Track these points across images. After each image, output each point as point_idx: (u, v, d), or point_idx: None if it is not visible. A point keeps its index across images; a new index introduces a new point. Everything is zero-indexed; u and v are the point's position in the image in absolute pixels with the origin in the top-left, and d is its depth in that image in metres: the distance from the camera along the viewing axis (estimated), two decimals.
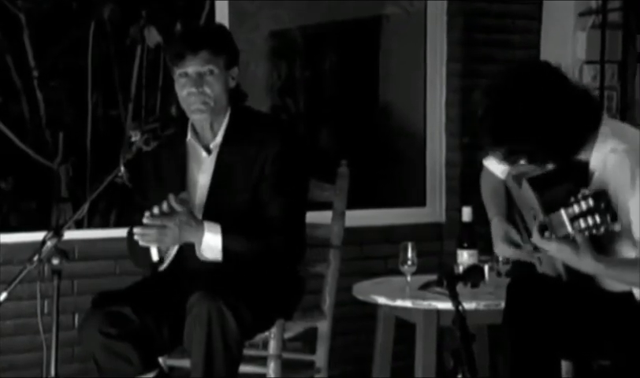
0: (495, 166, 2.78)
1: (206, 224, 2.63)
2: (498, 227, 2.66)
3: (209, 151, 2.80)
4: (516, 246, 2.61)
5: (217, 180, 2.76)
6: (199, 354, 2.57)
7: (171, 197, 2.62)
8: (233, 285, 2.65)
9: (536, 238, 2.34)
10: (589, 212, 2.18)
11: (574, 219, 2.20)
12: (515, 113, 2.36)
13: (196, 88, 2.71)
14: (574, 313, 2.46)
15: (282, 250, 2.73)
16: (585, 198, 2.18)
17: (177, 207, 2.62)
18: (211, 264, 2.72)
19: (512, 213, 2.70)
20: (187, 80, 2.72)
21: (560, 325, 2.45)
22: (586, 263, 2.29)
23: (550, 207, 2.29)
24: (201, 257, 2.66)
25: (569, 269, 2.43)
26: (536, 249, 2.44)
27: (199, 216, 2.75)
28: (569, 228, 2.22)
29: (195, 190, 2.80)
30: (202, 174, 2.80)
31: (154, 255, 2.74)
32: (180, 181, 2.80)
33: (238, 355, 2.62)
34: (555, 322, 2.45)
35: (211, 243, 2.62)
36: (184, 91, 2.74)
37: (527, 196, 2.46)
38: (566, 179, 2.36)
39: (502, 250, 2.64)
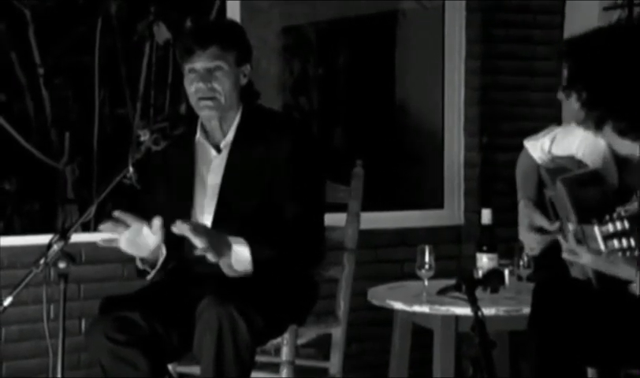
0: (534, 149, 2.76)
1: (231, 238, 2.63)
2: (523, 212, 2.64)
3: (219, 150, 2.81)
4: (542, 232, 2.58)
5: (228, 180, 2.76)
6: (209, 361, 2.57)
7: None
8: (244, 290, 2.64)
9: (572, 245, 2.33)
10: (624, 234, 2.14)
11: (607, 238, 2.17)
12: (620, 75, 2.25)
13: (204, 84, 2.72)
14: (603, 318, 2.45)
15: (303, 254, 2.73)
16: (620, 218, 2.15)
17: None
18: (219, 271, 2.72)
19: (543, 199, 2.68)
20: (196, 76, 2.73)
21: (589, 331, 2.44)
22: (627, 274, 2.28)
23: (583, 214, 2.26)
24: (230, 273, 2.64)
25: (599, 275, 2.42)
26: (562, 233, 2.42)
27: (209, 218, 2.75)
28: (602, 246, 2.19)
29: (204, 191, 2.80)
30: (211, 174, 2.80)
31: (139, 264, 2.74)
32: (188, 181, 2.80)
33: (250, 362, 2.62)
34: (583, 328, 2.44)
35: (240, 257, 2.62)
36: (192, 87, 2.74)
37: (560, 196, 2.44)
38: (600, 182, 2.34)
39: (526, 238, 2.62)
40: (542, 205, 2.65)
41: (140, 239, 2.64)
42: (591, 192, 2.31)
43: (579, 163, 2.56)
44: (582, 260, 2.35)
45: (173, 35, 3.89)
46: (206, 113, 2.76)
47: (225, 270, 2.63)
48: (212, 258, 2.57)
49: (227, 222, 2.70)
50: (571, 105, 2.41)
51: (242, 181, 2.75)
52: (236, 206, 2.73)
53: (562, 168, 2.52)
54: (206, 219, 2.77)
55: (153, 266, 2.74)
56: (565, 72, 2.42)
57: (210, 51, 2.71)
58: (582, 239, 2.27)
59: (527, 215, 2.62)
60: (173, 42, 3.81)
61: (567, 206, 2.40)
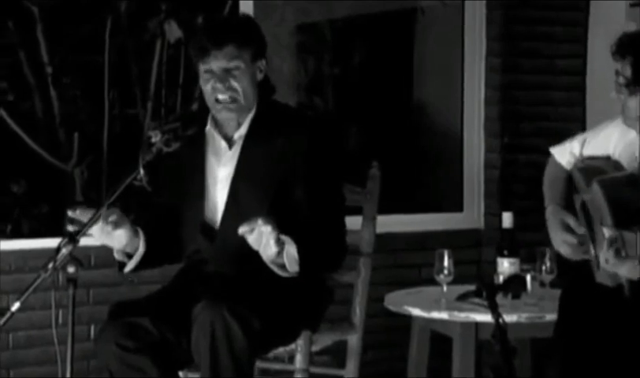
0: (562, 155, 2.74)
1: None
2: (553, 216, 2.62)
3: (230, 143, 2.81)
4: (574, 233, 2.56)
5: (240, 174, 2.76)
6: (205, 367, 2.58)
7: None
8: (243, 291, 2.64)
9: (606, 253, 2.31)
10: None
11: None
12: None
13: (222, 84, 2.72)
14: (634, 329, 2.43)
15: (327, 255, 2.73)
16: None
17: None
18: (232, 270, 2.73)
19: (572, 204, 2.66)
20: (212, 76, 2.73)
21: (618, 341, 2.42)
22: None
23: (620, 217, 2.25)
24: (281, 272, 2.64)
25: (635, 284, 2.40)
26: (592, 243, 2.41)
27: (219, 214, 2.76)
28: None
29: (214, 184, 2.80)
30: (222, 167, 2.80)
31: (116, 255, 2.75)
32: (199, 176, 2.81)
33: (248, 367, 2.61)
34: (612, 338, 2.42)
35: (291, 251, 2.62)
36: (208, 87, 2.75)
37: (596, 198, 2.42)
38: (637, 185, 2.32)
39: (560, 239, 2.60)
40: (572, 211, 2.63)
41: (113, 231, 2.64)
42: (629, 195, 2.29)
43: (615, 164, 2.54)
44: (620, 269, 2.32)
45: (184, 34, 3.90)
46: (225, 115, 2.77)
47: (274, 267, 2.61)
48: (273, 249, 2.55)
49: (237, 216, 2.70)
50: (630, 103, 2.39)
51: (254, 175, 2.75)
52: (246, 201, 2.73)
53: (597, 169, 2.49)
54: (217, 212, 2.78)
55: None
56: (626, 68, 2.39)
57: (226, 50, 2.71)
58: (620, 246, 2.24)
59: (558, 217, 2.60)
60: (186, 41, 3.82)
61: (602, 209, 2.37)
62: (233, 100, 2.73)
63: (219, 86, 2.72)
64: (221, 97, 2.73)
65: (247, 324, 2.56)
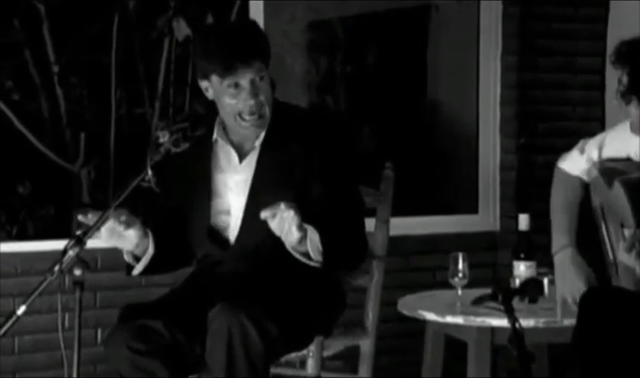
0: (573, 165, 2.73)
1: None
2: (571, 260, 2.60)
3: (243, 152, 2.82)
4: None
5: (259, 179, 2.77)
6: (220, 372, 2.58)
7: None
8: (260, 296, 2.65)
9: (624, 253, 2.30)
10: None
11: None
12: None
13: (254, 99, 2.72)
14: None
15: (351, 255, 2.74)
16: None
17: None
18: (246, 272, 2.73)
19: (585, 234, 2.65)
20: (240, 91, 2.72)
21: (638, 348, 2.41)
22: None
23: None
24: (305, 259, 2.64)
25: None
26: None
27: (236, 220, 2.76)
28: None
29: (226, 190, 2.81)
30: (236, 174, 2.81)
31: (126, 257, 2.75)
32: (206, 181, 2.81)
33: (264, 373, 2.61)
34: (633, 343, 2.41)
35: (314, 239, 2.62)
36: (234, 102, 2.73)
37: (617, 199, 2.42)
38: None
39: (572, 286, 2.58)
40: (585, 243, 2.62)
41: (125, 232, 2.65)
42: None
43: (639, 165, 2.54)
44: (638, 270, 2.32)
45: (193, 31, 3.91)
46: (251, 131, 2.77)
47: (295, 252, 2.62)
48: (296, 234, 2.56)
49: (257, 220, 2.71)
50: (630, 111, 2.39)
51: (273, 180, 2.76)
52: (266, 204, 2.73)
53: (618, 170, 2.49)
54: (230, 218, 2.78)
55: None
56: (624, 77, 2.40)
57: (253, 67, 2.71)
58: None
59: (584, 272, 2.57)
60: (194, 41, 3.82)
61: (624, 209, 2.37)
62: (260, 115, 2.74)
63: (252, 102, 2.71)
64: (251, 111, 2.72)
65: (265, 329, 2.56)
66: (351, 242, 2.75)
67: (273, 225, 2.57)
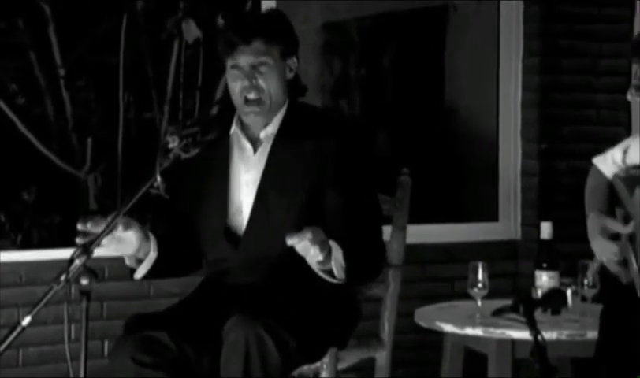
0: (604, 164, 2.74)
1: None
2: (593, 223, 2.61)
3: (256, 146, 2.82)
4: (616, 238, 2.54)
5: (268, 178, 2.77)
6: None
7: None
8: (276, 307, 2.65)
9: None
10: None
11: None
12: None
13: (249, 81, 2.73)
14: None
15: (370, 264, 2.74)
16: None
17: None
18: (256, 280, 2.74)
19: (614, 212, 2.65)
20: (239, 73, 2.74)
21: None
22: None
23: None
24: (328, 277, 2.64)
25: None
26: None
27: (244, 219, 2.77)
28: None
29: (239, 188, 2.81)
30: (247, 171, 2.81)
31: (127, 261, 2.76)
32: (222, 179, 2.82)
33: None
34: None
35: (338, 257, 2.62)
36: (235, 85, 2.75)
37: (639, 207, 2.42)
38: None
39: (602, 247, 2.59)
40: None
41: (123, 235, 2.66)
42: None
43: None
44: None
45: (203, 33, 3.92)
46: (251, 119, 2.78)
47: (320, 272, 2.61)
48: (319, 257, 2.54)
49: (264, 222, 2.71)
50: None
51: (282, 180, 2.76)
52: (274, 206, 2.73)
53: (637, 176, 2.49)
54: (241, 218, 2.79)
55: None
56: (638, 71, 2.40)
57: (254, 46, 2.72)
58: None
59: (599, 221, 2.59)
60: (205, 41, 3.84)
61: None
62: (259, 102, 2.74)
63: (245, 83, 2.73)
64: (247, 96, 2.74)
65: (282, 341, 2.57)
66: (373, 254, 2.75)
67: (299, 248, 2.55)
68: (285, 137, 2.78)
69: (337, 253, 2.61)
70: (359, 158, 2.78)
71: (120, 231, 2.63)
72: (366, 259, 2.71)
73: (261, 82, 2.73)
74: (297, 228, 2.58)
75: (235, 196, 2.80)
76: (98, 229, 2.52)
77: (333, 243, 2.60)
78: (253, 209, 2.76)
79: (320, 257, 2.55)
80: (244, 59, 2.72)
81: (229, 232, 2.79)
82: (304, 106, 2.86)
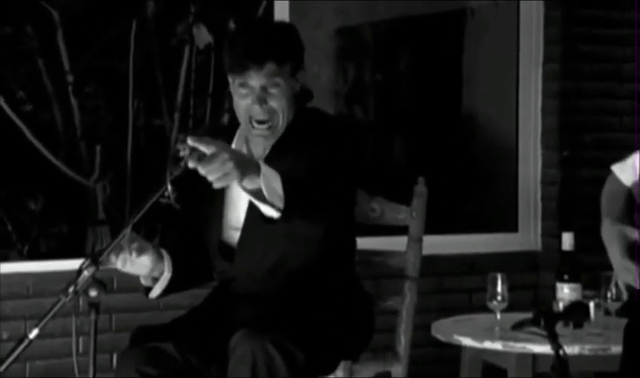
0: (622, 170, 2.74)
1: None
2: (610, 228, 2.60)
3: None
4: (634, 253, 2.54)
5: None
6: None
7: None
8: (284, 318, 2.65)
9: None
10: None
11: None
12: None
13: (260, 105, 2.73)
14: None
15: (314, 202, 2.58)
16: None
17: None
18: (261, 291, 2.74)
19: (631, 220, 2.65)
20: (249, 93, 2.74)
21: None
22: None
23: None
24: (262, 206, 2.55)
25: None
26: None
27: (237, 233, 2.76)
28: None
29: (236, 203, 2.81)
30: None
31: (143, 281, 2.77)
32: (220, 193, 2.82)
33: None
34: None
35: (270, 177, 2.46)
36: (243, 104, 2.75)
37: None
38: None
39: (620, 264, 2.58)
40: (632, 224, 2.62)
41: (137, 260, 2.67)
42: None
43: None
44: None
45: (214, 39, 3.93)
46: (259, 141, 2.78)
47: (251, 194, 2.50)
48: (234, 178, 2.43)
49: (257, 237, 2.70)
50: None
51: None
52: (265, 220, 2.69)
53: None
54: (235, 232, 2.80)
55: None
56: None
57: (266, 69, 2.71)
58: None
59: (616, 230, 2.58)
60: (216, 47, 3.85)
61: None
62: (270, 125, 2.74)
63: (257, 108, 2.72)
64: (257, 118, 2.74)
65: (291, 355, 2.57)
66: (317, 195, 2.60)
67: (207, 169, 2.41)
68: (282, 147, 2.78)
69: (270, 173, 2.47)
70: (334, 149, 2.73)
71: (134, 257, 2.65)
72: (308, 197, 2.57)
73: (272, 104, 2.73)
74: (290, 237, 2.59)
75: (231, 212, 2.81)
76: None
77: (269, 169, 2.48)
78: (245, 222, 2.77)
79: (230, 173, 2.39)
80: (256, 81, 2.71)
81: (224, 247, 2.80)
82: (306, 114, 2.85)
